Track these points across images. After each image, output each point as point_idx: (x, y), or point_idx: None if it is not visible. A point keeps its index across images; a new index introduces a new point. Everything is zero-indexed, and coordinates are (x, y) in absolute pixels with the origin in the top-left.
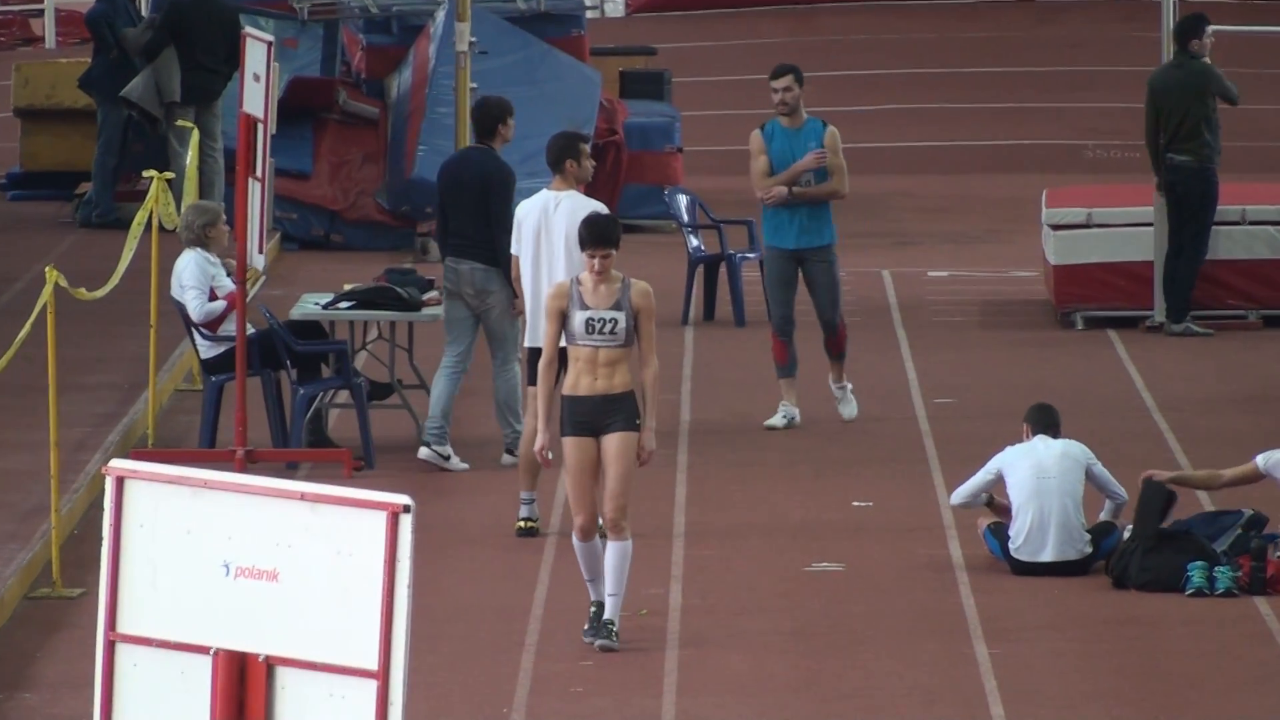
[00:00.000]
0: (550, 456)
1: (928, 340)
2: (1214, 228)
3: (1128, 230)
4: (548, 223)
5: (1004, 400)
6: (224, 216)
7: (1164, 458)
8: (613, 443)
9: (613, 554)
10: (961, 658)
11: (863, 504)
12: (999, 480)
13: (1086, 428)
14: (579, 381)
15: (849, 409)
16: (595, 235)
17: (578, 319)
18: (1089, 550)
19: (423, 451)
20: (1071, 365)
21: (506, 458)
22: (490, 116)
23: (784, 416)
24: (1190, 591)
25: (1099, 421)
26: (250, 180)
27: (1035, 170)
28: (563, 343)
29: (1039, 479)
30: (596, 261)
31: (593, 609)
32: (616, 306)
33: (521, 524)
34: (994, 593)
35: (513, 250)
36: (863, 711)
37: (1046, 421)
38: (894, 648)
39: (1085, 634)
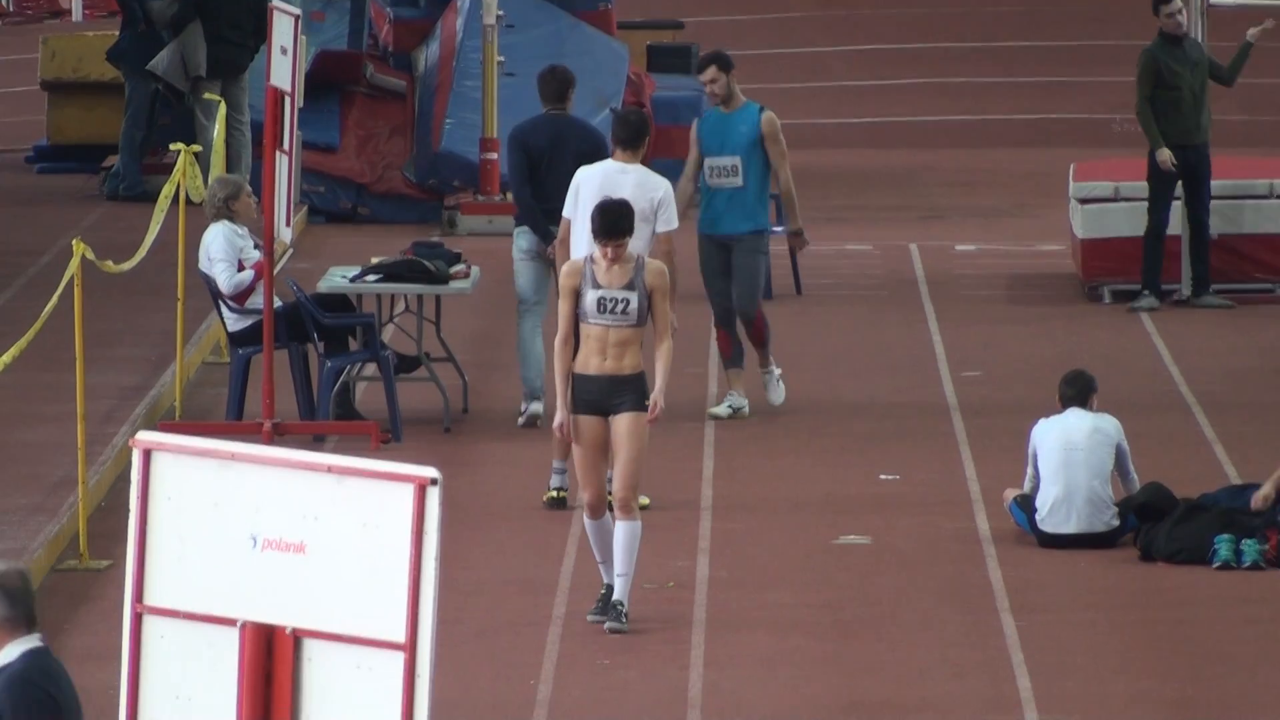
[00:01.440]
0: (568, 433)
1: (955, 314)
2: (1241, 201)
3: None
4: (613, 191)
5: (1031, 373)
6: (248, 189)
7: (1191, 431)
8: (623, 423)
9: (622, 534)
10: (989, 630)
11: (889, 477)
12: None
13: (1114, 401)
14: (589, 361)
15: (776, 395)
16: (607, 227)
17: (590, 298)
18: (1115, 523)
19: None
20: (1099, 339)
21: (535, 405)
22: (564, 82)
23: (729, 406)
24: (1217, 564)
25: (1127, 395)
26: (277, 153)
27: (1063, 145)
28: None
29: (1067, 451)
30: (609, 250)
31: (604, 590)
32: (629, 286)
33: (553, 494)
34: (1021, 565)
35: (565, 213)
36: (890, 684)
37: (1076, 392)
38: (921, 621)
39: (1112, 606)
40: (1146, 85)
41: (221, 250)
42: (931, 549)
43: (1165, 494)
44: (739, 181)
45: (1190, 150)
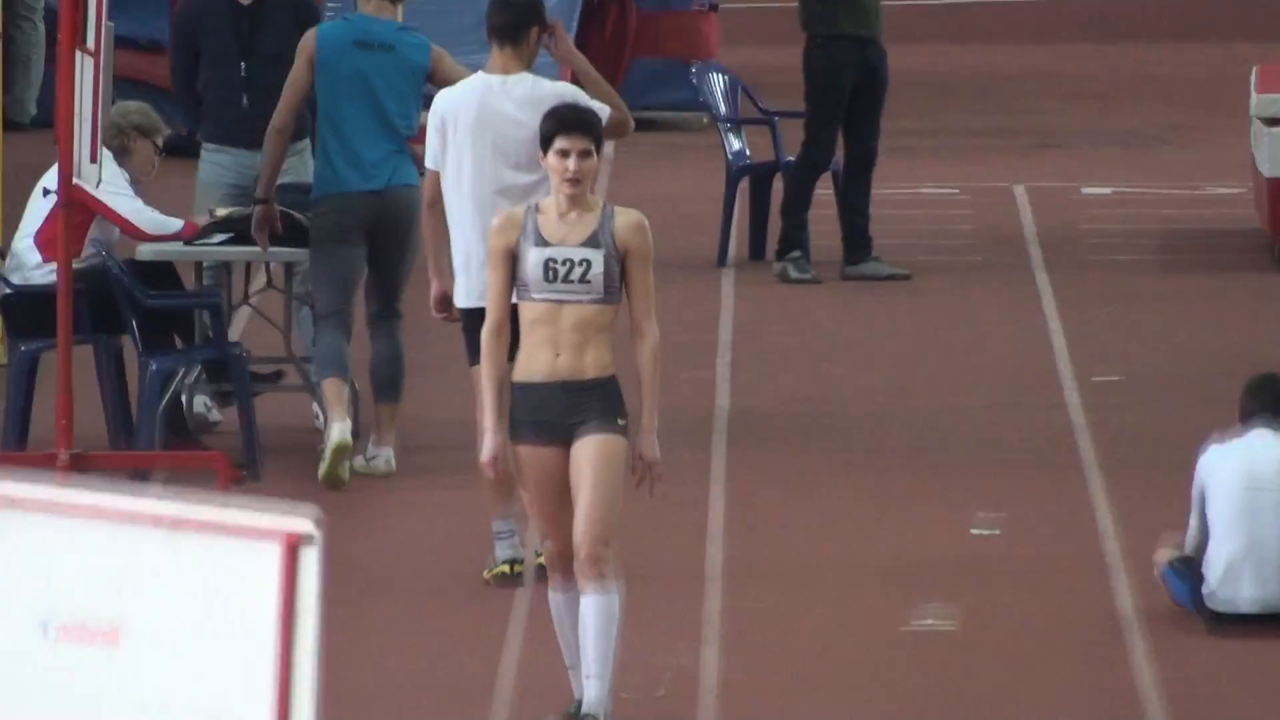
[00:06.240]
0: (503, 467)
1: (1082, 289)
2: None
3: None
4: (494, 117)
5: (1195, 377)
6: (160, 140)
7: None
8: (586, 450)
9: (591, 612)
10: None
11: (986, 531)
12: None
13: None
14: (533, 359)
15: (381, 463)
16: (567, 119)
17: (532, 260)
18: None
19: None
20: None
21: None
22: None
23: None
24: None
25: None
26: (78, 54)
27: (1241, 38)
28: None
29: (1250, 491)
30: (572, 161)
31: (573, 709)
32: (592, 243)
33: (502, 568)
34: (1181, 661)
35: (429, 163)
36: None
37: (1264, 405)
38: None
39: None
40: None
41: (114, 175)
42: (1050, 637)
43: None
44: None
45: (871, 45)
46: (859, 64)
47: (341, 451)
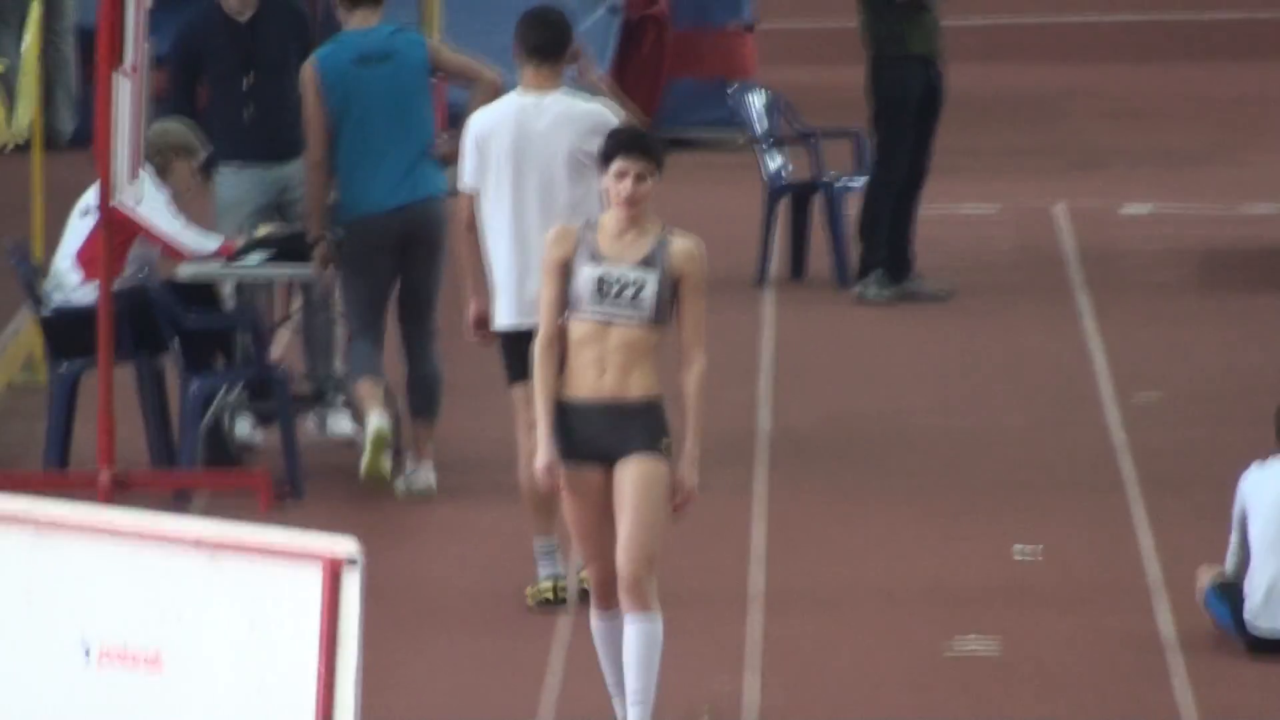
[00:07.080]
0: (558, 476)
1: (1122, 308)
2: None
3: None
4: (531, 136)
5: (1237, 396)
6: (199, 161)
7: None
8: (629, 473)
9: (634, 638)
10: None
11: (1027, 552)
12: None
13: None
14: (578, 379)
15: (421, 480)
16: (625, 141)
17: (585, 276)
18: None
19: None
20: None
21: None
22: None
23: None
24: None
25: None
26: (116, 75)
27: None
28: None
29: None
30: (628, 183)
31: None
32: (648, 264)
33: (545, 590)
34: (1222, 684)
35: (468, 181)
36: None
37: None
38: None
39: None
40: None
41: (154, 193)
42: (1090, 660)
43: None
44: None
45: (933, 65)
46: (923, 84)
47: (381, 441)
